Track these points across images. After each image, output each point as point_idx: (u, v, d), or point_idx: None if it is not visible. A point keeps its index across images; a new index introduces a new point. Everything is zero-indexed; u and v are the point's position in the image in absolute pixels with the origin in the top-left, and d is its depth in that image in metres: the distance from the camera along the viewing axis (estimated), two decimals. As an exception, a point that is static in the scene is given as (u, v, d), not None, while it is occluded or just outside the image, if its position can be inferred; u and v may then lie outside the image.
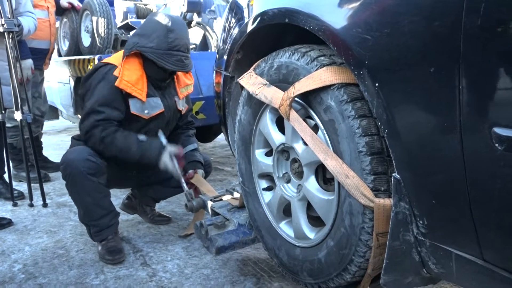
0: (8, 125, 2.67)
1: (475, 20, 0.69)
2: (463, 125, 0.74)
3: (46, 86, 3.36)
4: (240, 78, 1.42)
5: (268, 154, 1.42)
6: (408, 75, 0.84)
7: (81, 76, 3.15)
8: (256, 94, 1.29)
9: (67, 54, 3.71)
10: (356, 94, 1.02)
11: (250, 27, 1.40)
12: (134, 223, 2.21)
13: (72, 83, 3.40)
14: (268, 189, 1.46)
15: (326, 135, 1.09)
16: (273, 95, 1.23)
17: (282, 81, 1.23)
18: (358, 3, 0.94)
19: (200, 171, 1.98)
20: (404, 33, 0.82)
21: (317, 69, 1.09)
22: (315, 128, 1.14)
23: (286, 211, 1.37)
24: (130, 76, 1.77)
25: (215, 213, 1.71)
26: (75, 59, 3.23)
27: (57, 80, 3.81)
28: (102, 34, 3.19)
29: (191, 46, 3.68)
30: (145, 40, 1.77)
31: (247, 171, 1.51)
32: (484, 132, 0.71)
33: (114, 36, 3.30)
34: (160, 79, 1.90)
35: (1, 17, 2.26)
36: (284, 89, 1.20)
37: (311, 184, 1.20)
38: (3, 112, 2.40)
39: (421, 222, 0.89)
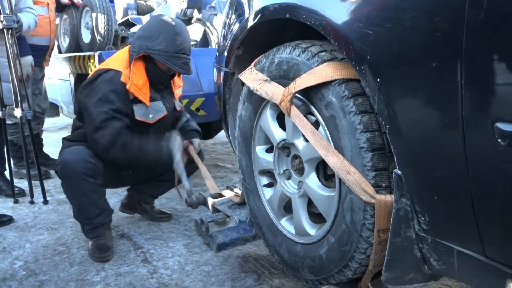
0: (8, 122, 2.67)
1: (478, 15, 0.68)
2: (465, 120, 0.73)
3: (47, 83, 3.36)
4: (240, 74, 1.41)
5: (269, 150, 1.42)
6: (410, 71, 0.83)
7: (81, 73, 3.14)
8: (257, 90, 1.28)
9: (67, 51, 3.71)
10: (357, 89, 1.01)
11: (250, 23, 1.39)
12: (134, 220, 2.21)
13: (73, 80, 3.40)
14: (269, 185, 1.46)
15: (327, 131, 1.08)
16: (274, 91, 1.22)
17: (283, 77, 1.22)
18: (359, -2, 0.93)
19: (196, 141, 2.00)
20: (406, 28, 0.81)
21: (318, 65, 1.08)
22: (316, 124, 1.13)
23: (287, 207, 1.37)
24: (137, 80, 1.77)
25: (215, 210, 1.71)
26: (75, 56, 3.23)
27: (58, 77, 3.81)
28: (102, 31, 3.18)
29: (192, 43, 3.67)
30: (152, 42, 1.76)
31: (247, 168, 1.50)
32: (486, 128, 0.70)
33: (114, 33, 3.29)
34: (162, 81, 1.91)
35: (0, 14, 2.25)
36: (285, 85, 1.19)
37: (312, 180, 1.19)
38: (3, 109, 2.39)
39: (422, 218, 0.88)
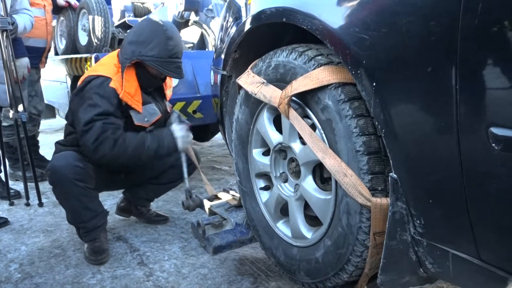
0: (4, 124, 2.66)
1: (472, 21, 0.69)
2: (460, 125, 0.74)
3: (43, 85, 3.35)
4: (238, 78, 1.41)
5: (266, 153, 1.42)
6: (405, 75, 0.84)
7: (78, 75, 3.13)
8: (255, 94, 1.29)
9: (64, 53, 3.70)
10: (353, 93, 1.02)
11: (247, 26, 1.39)
12: (131, 222, 2.20)
13: (69, 81, 3.39)
14: (266, 188, 1.46)
15: (324, 135, 1.09)
16: (271, 94, 1.23)
17: (280, 80, 1.22)
18: (355, 3, 0.94)
19: (175, 113, 2.01)
20: (402, 33, 0.82)
21: (314, 69, 1.09)
22: (312, 128, 1.14)
23: (283, 210, 1.37)
24: (130, 88, 1.75)
25: (212, 213, 1.71)
26: (72, 58, 3.22)
27: (54, 79, 3.79)
28: (99, 33, 3.17)
29: (189, 45, 3.67)
30: (144, 48, 1.73)
31: (244, 171, 1.51)
32: (481, 132, 0.71)
33: (111, 35, 3.29)
34: (154, 86, 1.91)
35: (-5, 16, 2.24)
36: (281, 88, 1.20)
37: (309, 183, 1.20)
38: (-1, 111, 2.39)
39: (418, 221, 0.89)
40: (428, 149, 0.82)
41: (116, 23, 4.05)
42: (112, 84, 1.73)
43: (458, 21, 0.71)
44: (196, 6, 3.31)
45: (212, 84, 1.89)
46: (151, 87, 1.90)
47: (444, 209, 0.83)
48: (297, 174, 1.28)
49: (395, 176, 0.90)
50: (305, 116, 1.17)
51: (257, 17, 1.33)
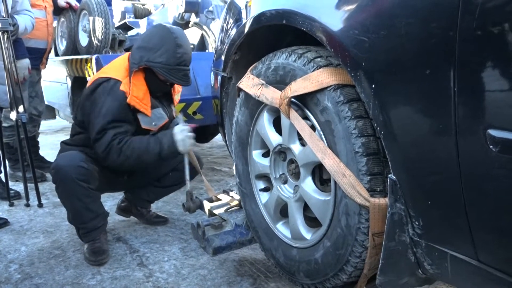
0: (4, 124, 2.66)
1: (470, 23, 0.70)
2: (458, 127, 0.74)
3: (43, 86, 3.35)
4: (239, 83, 1.42)
5: (265, 155, 1.43)
6: (404, 77, 0.84)
7: (78, 76, 3.14)
8: (258, 96, 1.29)
9: (65, 54, 3.70)
10: (352, 95, 1.02)
11: (247, 28, 1.40)
12: (130, 223, 2.20)
13: (70, 82, 3.40)
14: (265, 190, 1.46)
15: (323, 136, 1.09)
16: (272, 95, 1.23)
17: (279, 82, 1.23)
18: (355, 5, 0.95)
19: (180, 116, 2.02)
20: (400, 35, 0.83)
21: (313, 70, 1.09)
22: (312, 129, 1.14)
23: (283, 212, 1.38)
24: (138, 92, 1.77)
25: (212, 214, 1.71)
26: (72, 59, 3.23)
27: (54, 80, 3.80)
28: (100, 34, 3.18)
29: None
30: (152, 54, 1.75)
31: (244, 172, 1.51)
32: (479, 134, 0.71)
33: (111, 36, 3.30)
34: (162, 91, 1.92)
35: (-4, 17, 2.25)
36: (281, 90, 1.21)
37: (308, 185, 1.20)
38: (-1, 111, 2.39)
39: (416, 223, 0.89)
40: (427, 150, 0.82)
41: (117, 24, 4.06)
42: (122, 87, 1.75)
43: (457, 24, 0.72)
44: (196, 7, 3.32)
45: (212, 85, 1.90)
46: (160, 92, 1.92)
47: (443, 211, 0.83)
48: (296, 175, 1.29)
49: (394, 177, 0.91)
50: (304, 117, 1.18)
51: (257, 19, 1.33)
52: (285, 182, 1.34)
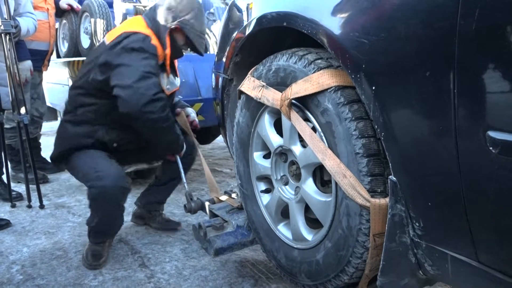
0: (6, 126, 2.67)
1: (470, 25, 0.70)
2: (458, 128, 0.75)
3: (45, 88, 3.36)
4: (240, 86, 1.43)
5: (266, 156, 1.43)
6: (404, 79, 0.85)
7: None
8: (260, 98, 1.30)
9: (66, 56, 3.71)
10: (352, 96, 1.03)
11: (249, 30, 1.41)
12: (132, 224, 2.21)
13: (71, 84, 3.40)
14: (266, 191, 1.47)
15: (324, 137, 1.10)
16: (273, 97, 1.24)
17: (280, 84, 1.24)
18: (355, 8, 0.95)
19: (189, 109, 2.03)
20: (400, 38, 0.83)
21: (314, 72, 1.10)
22: (313, 131, 1.15)
23: (284, 213, 1.38)
24: (168, 49, 1.77)
25: (213, 215, 1.72)
26: (74, 61, 3.24)
27: (56, 82, 3.81)
28: (101, 36, 3.19)
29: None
30: (184, 16, 1.74)
31: (245, 174, 1.52)
32: (478, 136, 0.72)
33: (113, 38, 3.30)
34: (177, 57, 1.91)
35: (-1, 19, 2.26)
36: (282, 92, 1.21)
37: (309, 186, 1.21)
38: (1, 113, 2.40)
39: (417, 224, 0.90)
40: (427, 152, 0.83)
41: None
42: (153, 42, 1.71)
43: (456, 26, 0.72)
44: (197, 9, 3.32)
45: (213, 87, 1.90)
46: (175, 58, 1.91)
47: (443, 212, 0.84)
48: (297, 176, 1.29)
49: (394, 179, 0.91)
50: (305, 119, 1.19)
51: (258, 21, 1.34)
52: (286, 183, 1.35)
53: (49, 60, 3.22)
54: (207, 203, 1.79)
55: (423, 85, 0.80)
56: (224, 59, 1.65)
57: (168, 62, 1.80)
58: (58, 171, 3.22)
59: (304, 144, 1.21)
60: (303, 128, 1.14)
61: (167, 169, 2.05)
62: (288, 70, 1.20)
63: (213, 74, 1.89)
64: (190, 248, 1.90)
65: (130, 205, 2.18)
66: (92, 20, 3.21)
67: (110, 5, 3.77)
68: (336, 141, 1.05)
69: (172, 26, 1.74)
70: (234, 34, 1.55)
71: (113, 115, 1.70)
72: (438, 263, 0.89)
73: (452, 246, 0.84)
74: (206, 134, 3.51)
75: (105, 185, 1.60)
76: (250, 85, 1.36)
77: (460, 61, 0.73)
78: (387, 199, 0.95)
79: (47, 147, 3.77)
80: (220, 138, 3.75)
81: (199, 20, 1.77)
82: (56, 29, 3.60)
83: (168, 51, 1.76)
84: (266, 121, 1.35)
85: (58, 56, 3.97)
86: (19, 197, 2.63)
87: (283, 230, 1.38)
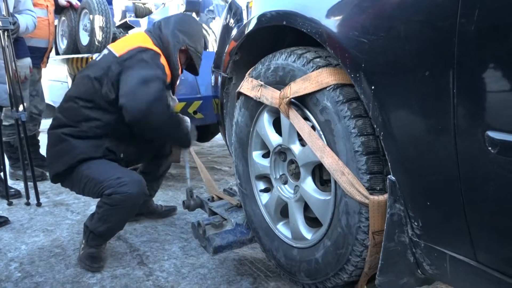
0: (5, 123, 2.67)
1: (470, 25, 0.70)
2: (457, 128, 0.75)
3: (44, 85, 3.36)
4: (239, 88, 1.42)
5: (265, 155, 1.43)
6: (403, 78, 0.85)
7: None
8: (259, 98, 1.30)
9: (65, 53, 3.71)
10: (351, 94, 1.03)
11: (248, 28, 1.40)
12: (131, 222, 2.21)
13: (70, 81, 3.40)
14: (266, 190, 1.47)
15: (323, 136, 1.10)
16: (272, 96, 1.24)
17: (279, 82, 1.23)
18: (355, 7, 0.95)
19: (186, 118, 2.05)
20: (400, 37, 0.83)
21: (313, 71, 1.10)
22: (312, 129, 1.15)
23: (283, 212, 1.38)
24: (176, 69, 1.87)
25: (212, 213, 1.72)
26: (73, 58, 3.23)
27: (55, 79, 3.81)
28: (101, 33, 3.19)
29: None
30: (190, 39, 1.87)
31: (244, 173, 1.52)
32: (477, 136, 0.72)
33: (112, 35, 3.30)
34: (177, 76, 1.97)
35: (-3, 15, 2.25)
36: (280, 90, 1.21)
37: (308, 185, 1.21)
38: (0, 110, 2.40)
39: (416, 223, 0.90)
40: (426, 152, 0.83)
41: (117, 23, 4.07)
42: (162, 61, 1.78)
43: (456, 26, 0.72)
44: (197, 7, 3.33)
45: (212, 85, 1.90)
46: (178, 77, 1.99)
47: (442, 211, 0.84)
48: (296, 175, 1.29)
49: (393, 178, 0.91)
50: (304, 118, 1.18)
51: (257, 20, 1.34)
52: (285, 182, 1.35)
53: (48, 57, 3.21)
54: (206, 201, 1.79)
55: (422, 84, 0.80)
56: (223, 57, 1.64)
57: (176, 81, 1.90)
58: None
59: (303, 143, 1.21)
60: (302, 127, 1.14)
61: (158, 165, 2.10)
62: (287, 69, 1.20)
63: (212, 72, 1.88)
64: (189, 246, 1.90)
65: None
66: (91, 17, 3.20)
67: (110, 2, 3.77)
68: (335, 139, 1.05)
69: (182, 48, 1.86)
70: (234, 32, 1.55)
71: (122, 129, 1.74)
72: (436, 263, 0.89)
73: (451, 246, 0.84)
74: (205, 132, 3.51)
75: (130, 192, 1.59)
76: (249, 86, 1.36)
77: (459, 61, 0.73)
78: (386, 196, 0.95)
79: (45, 145, 3.76)
80: (219, 136, 3.75)
81: (200, 43, 1.92)
82: (55, 26, 3.59)
83: (180, 71, 1.87)
84: (265, 120, 1.35)
85: (57, 53, 3.96)
86: (18, 194, 2.62)
87: (282, 229, 1.38)
